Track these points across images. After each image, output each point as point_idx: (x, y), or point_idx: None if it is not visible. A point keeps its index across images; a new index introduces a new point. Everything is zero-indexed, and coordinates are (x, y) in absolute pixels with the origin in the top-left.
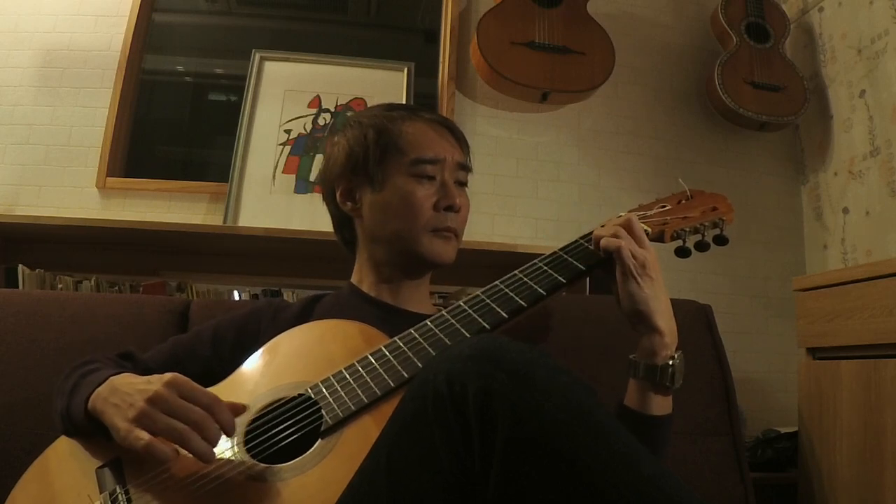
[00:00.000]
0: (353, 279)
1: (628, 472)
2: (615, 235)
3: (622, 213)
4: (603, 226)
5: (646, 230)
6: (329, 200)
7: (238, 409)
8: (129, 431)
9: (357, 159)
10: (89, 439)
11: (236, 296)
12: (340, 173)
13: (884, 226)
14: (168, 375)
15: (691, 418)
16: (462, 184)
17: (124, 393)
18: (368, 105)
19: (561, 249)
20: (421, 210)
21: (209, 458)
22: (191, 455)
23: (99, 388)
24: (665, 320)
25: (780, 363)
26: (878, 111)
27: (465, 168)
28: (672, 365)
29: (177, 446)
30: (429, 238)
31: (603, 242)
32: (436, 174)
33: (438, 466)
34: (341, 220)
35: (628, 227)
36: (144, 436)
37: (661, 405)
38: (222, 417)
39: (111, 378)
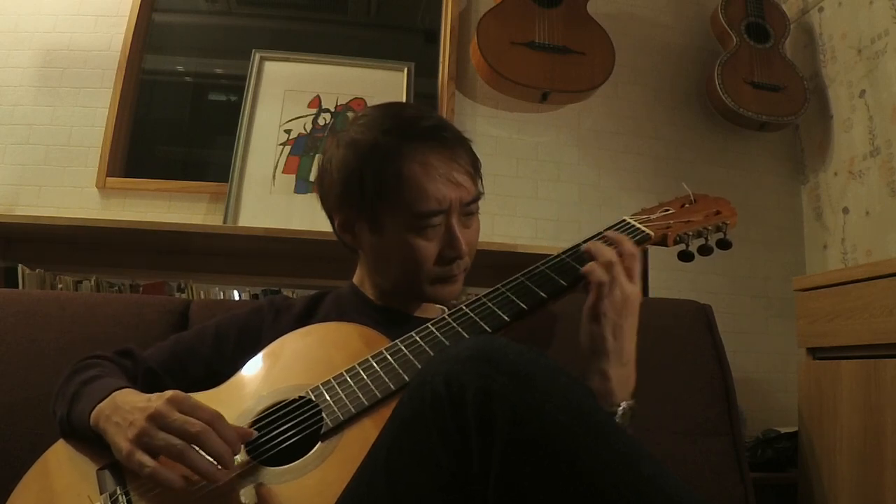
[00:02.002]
0: (355, 280)
1: (628, 473)
2: (608, 262)
3: (626, 218)
4: (602, 234)
5: (648, 234)
6: (329, 218)
7: (247, 435)
8: (131, 454)
9: (353, 195)
10: (88, 443)
11: (236, 296)
12: (337, 204)
13: (884, 226)
14: (169, 392)
15: (691, 418)
16: (471, 214)
17: (125, 411)
18: (368, 105)
19: (564, 253)
20: (424, 264)
21: (211, 475)
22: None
23: (101, 405)
24: (616, 367)
25: (780, 363)
26: (878, 111)
27: (474, 200)
28: (619, 413)
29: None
30: (431, 286)
31: (593, 275)
32: (441, 222)
33: (437, 467)
34: (343, 242)
35: (631, 263)
36: (148, 461)
37: None
38: (224, 432)
39: (114, 394)
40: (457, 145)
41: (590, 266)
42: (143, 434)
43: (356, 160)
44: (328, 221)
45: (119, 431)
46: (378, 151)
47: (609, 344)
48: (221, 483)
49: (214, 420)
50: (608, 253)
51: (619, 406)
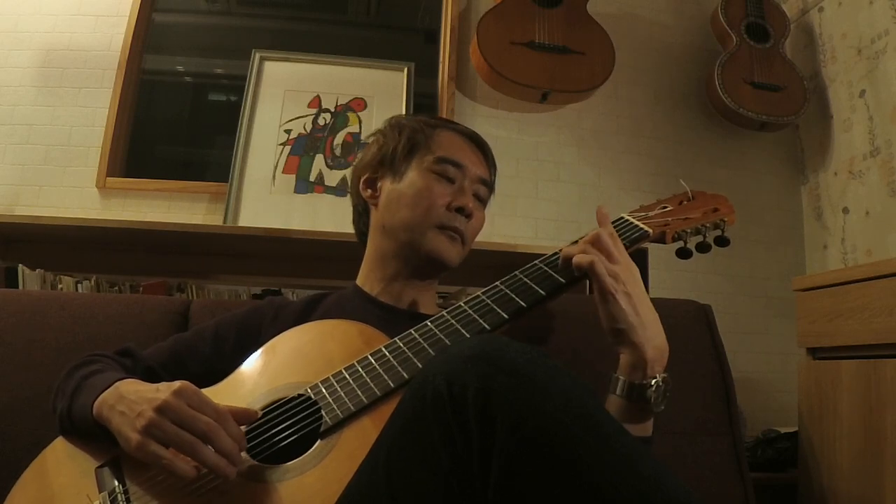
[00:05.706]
0: (358, 281)
1: (628, 473)
2: (585, 253)
3: (625, 216)
4: (575, 242)
5: (646, 231)
6: (353, 186)
7: (251, 416)
8: (143, 444)
9: (387, 153)
10: (88, 440)
11: (236, 296)
12: (369, 163)
13: (884, 226)
14: (177, 384)
15: (691, 418)
16: (481, 199)
17: (131, 401)
18: (368, 105)
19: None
20: (433, 205)
21: (222, 470)
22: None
23: (104, 395)
24: (646, 336)
25: (780, 363)
26: (878, 111)
27: (487, 184)
28: (653, 385)
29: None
30: (434, 233)
31: (576, 259)
32: (456, 178)
33: (438, 467)
34: (360, 209)
35: (596, 243)
36: (164, 452)
37: (639, 428)
38: (231, 430)
39: (117, 384)
40: (486, 148)
41: (576, 259)
42: (152, 425)
43: (400, 128)
44: (328, 217)
45: (126, 421)
46: (423, 123)
47: (630, 316)
48: (218, 479)
49: (222, 417)
50: (581, 245)
51: (658, 376)
